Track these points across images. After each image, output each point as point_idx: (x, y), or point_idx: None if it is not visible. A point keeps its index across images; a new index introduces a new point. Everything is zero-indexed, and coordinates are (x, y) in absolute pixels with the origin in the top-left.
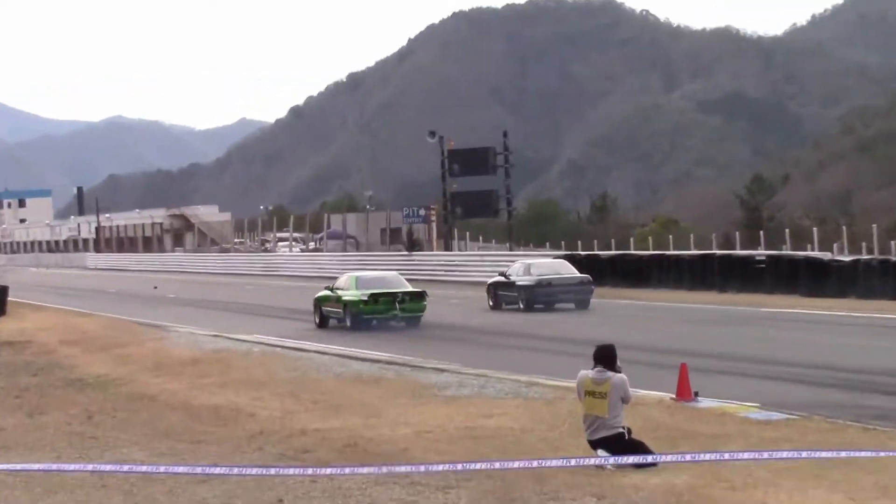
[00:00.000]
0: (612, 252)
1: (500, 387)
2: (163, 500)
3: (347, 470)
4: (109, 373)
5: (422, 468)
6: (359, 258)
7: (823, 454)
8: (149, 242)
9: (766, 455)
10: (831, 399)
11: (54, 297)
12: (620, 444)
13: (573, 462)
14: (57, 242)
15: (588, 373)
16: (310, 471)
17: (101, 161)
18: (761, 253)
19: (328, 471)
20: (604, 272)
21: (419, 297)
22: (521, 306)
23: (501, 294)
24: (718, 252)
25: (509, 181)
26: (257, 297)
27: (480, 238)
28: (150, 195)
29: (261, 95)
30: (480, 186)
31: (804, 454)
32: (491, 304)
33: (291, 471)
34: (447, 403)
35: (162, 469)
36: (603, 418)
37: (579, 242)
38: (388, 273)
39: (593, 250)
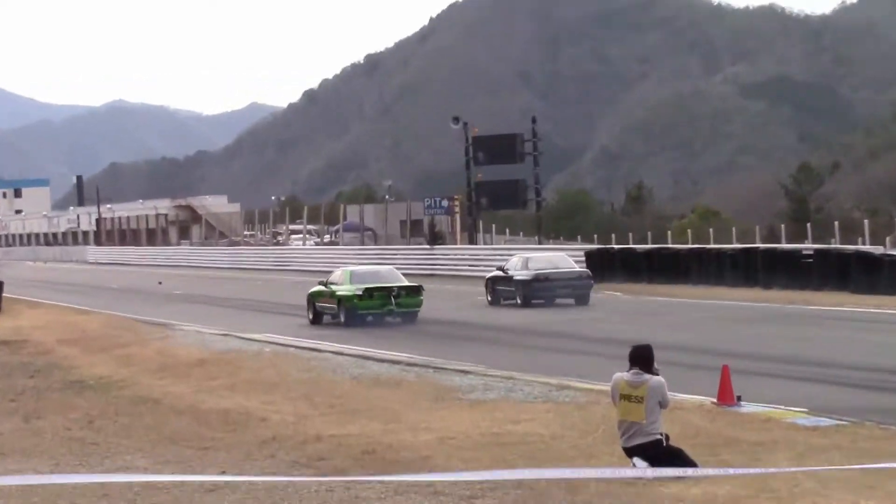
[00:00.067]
0: (649, 246)
1: (529, 390)
2: None
3: (365, 478)
4: (111, 374)
5: (445, 477)
6: (377, 252)
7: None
8: (153, 235)
9: (815, 469)
10: (884, 403)
11: (52, 294)
12: (658, 451)
13: (607, 471)
14: (55, 235)
15: (623, 375)
16: (325, 479)
17: (101, 148)
18: (808, 247)
19: (344, 479)
20: (639, 267)
21: (415, 291)
22: (519, 301)
23: (499, 289)
24: (762, 246)
25: (538, 170)
26: (268, 294)
27: (507, 231)
28: (155, 185)
29: (272, 78)
30: (507, 176)
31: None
32: (489, 299)
33: (305, 479)
34: (472, 408)
35: (167, 478)
36: (639, 424)
37: (613, 235)
38: (383, 267)
39: (628, 244)
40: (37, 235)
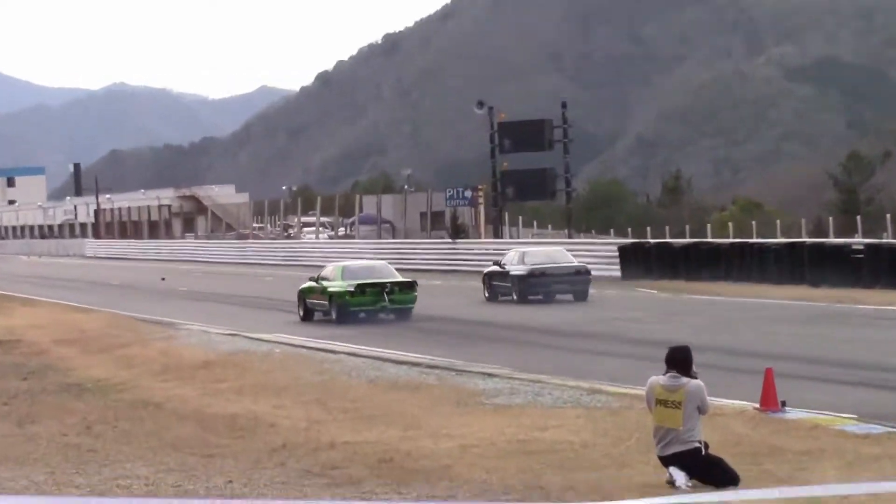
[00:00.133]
0: (687, 240)
1: (558, 394)
2: None
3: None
4: (110, 377)
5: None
6: (395, 246)
7: None
8: (155, 227)
9: (864, 487)
10: None
11: (47, 290)
12: (696, 460)
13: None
14: (51, 227)
15: (659, 379)
16: (339, 490)
17: (100, 135)
18: (858, 241)
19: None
20: (677, 263)
21: (409, 287)
22: (515, 297)
23: (496, 284)
24: (808, 240)
25: (568, 158)
26: (279, 290)
27: (535, 223)
28: (157, 173)
29: (284, 60)
30: (535, 164)
31: None
32: (486, 295)
33: (318, 487)
34: (496, 413)
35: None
36: (676, 431)
37: (648, 229)
38: (377, 262)
39: (664, 238)
40: (31, 228)
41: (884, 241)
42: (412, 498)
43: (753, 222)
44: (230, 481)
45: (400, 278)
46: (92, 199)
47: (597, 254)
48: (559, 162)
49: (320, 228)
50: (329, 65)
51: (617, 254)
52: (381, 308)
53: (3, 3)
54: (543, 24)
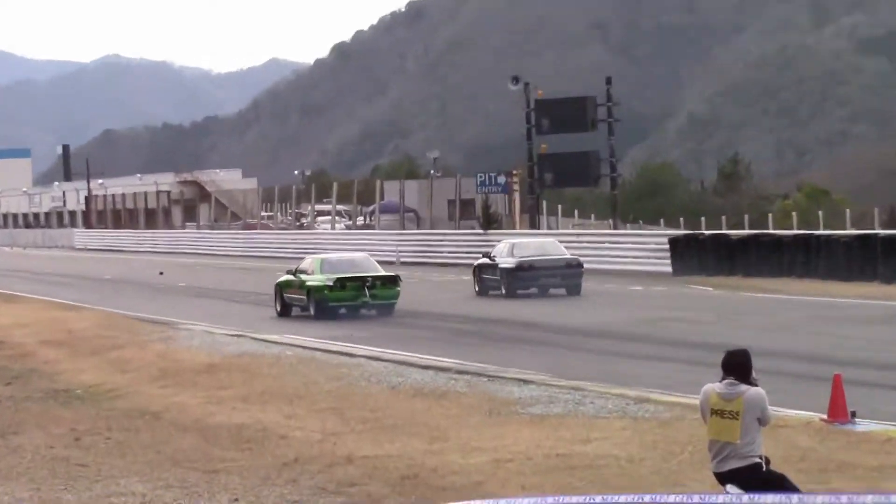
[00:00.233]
0: (745, 231)
1: (601, 403)
2: None
3: None
4: (102, 382)
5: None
6: (419, 237)
7: None
8: (153, 216)
9: None
10: None
11: (33, 286)
12: (756, 477)
13: (696, 500)
14: (36, 216)
15: (714, 386)
16: None
17: (92, 113)
18: None
19: None
20: (734, 256)
21: (391, 282)
22: (503, 292)
23: (486, 278)
24: (882, 232)
25: (613, 140)
26: None
27: (576, 213)
28: (155, 156)
29: (296, 29)
30: (577, 147)
31: None
32: (476, 289)
33: None
34: (533, 424)
35: None
36: (734, 445)
37: (703, 219)
38: (358, 255)
39: (721, 229)
40: (15, 216)
41: None
42: None
43: (820, 212)
44: (236, 499)
45: (382, 272)
46: (82, 184)
47: (645, 247)
48: (603, 144)
49: (336, 218)
50: (347, 35)
51: (667, 247)
52: (362, 304)
53: None
54: None
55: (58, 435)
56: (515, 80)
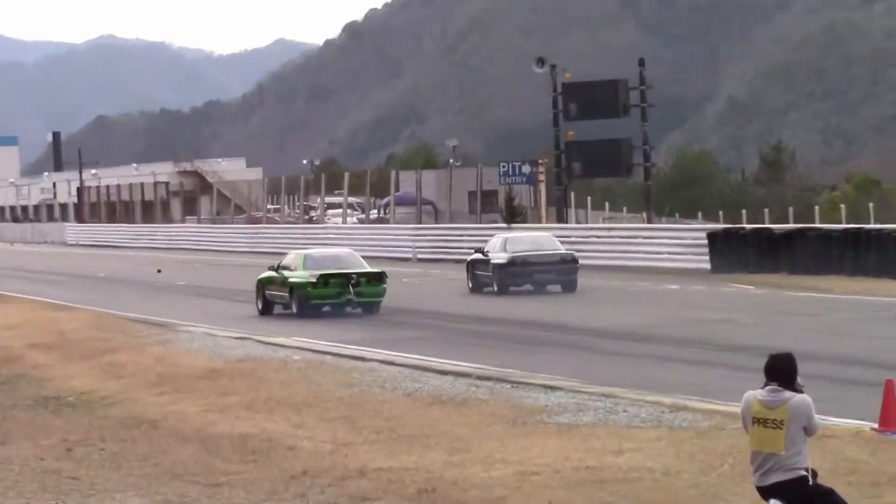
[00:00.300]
0: (790, 225)
1: (635, 411)
2: None
3: None
4: (95, 388)
5: None
6: (438, 231)
7: None
8: (150, 209)
9: None
10: None
11: (21, 284)
12: (803, 491)
13: None
14: (25, 209)
15: (757, 393)
16: None
17: (85, 97)
18: None
19: None
20: (777, 252)
21: (377, 279)
22: (495, 288)
23: (479, 274)
24: None
25: (647, 127)
26: None
27: (607, 205)
28: (153, 144)
29: (304, 7)
30: (607, 134)
31: None
32: (470, 286)
33: None
34: (560, 434)
35: None
36: (778, 456)
37: (744, 212)
38: (343, 250)
39: (763, 222)
40: (1, 209)
41: None
42: None
43: (870, 204)
44: None
45: (368, 269)
46: (74, 174)
47: (681, 242)
48: (636, 131)
49: (348, 211)
50: (359, 13)
51: (706, 242)
52: (347, 301)
53: None
54: None
55: (48, 446)
56: (541, 61)
